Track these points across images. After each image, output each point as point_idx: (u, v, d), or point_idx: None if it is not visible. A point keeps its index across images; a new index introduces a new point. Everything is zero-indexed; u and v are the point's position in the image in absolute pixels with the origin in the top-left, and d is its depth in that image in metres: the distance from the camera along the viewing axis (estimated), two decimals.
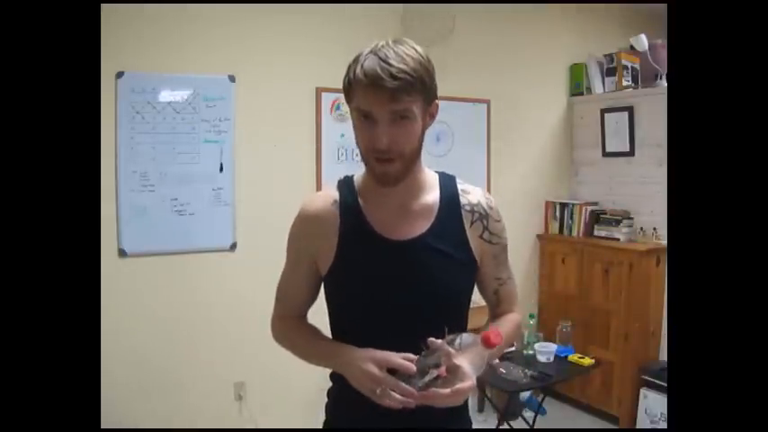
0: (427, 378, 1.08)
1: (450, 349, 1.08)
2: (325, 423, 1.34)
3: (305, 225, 1.27)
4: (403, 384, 1.08)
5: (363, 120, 1.12)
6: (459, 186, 1.28)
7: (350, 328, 1.24)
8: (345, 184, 1.28)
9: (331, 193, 1.27)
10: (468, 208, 1.26)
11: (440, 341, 1.09)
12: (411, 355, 1.10)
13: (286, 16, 3.11)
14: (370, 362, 1.11)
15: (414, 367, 1.09)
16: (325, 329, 1.30)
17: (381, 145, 1.11)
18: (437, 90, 1.17)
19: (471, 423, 1.35)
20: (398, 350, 1.14)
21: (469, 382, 1.08)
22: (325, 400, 1.34)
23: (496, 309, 1.34)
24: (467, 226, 1.24)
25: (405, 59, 1.08)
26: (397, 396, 1.07)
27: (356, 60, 1.12)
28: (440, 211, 1.24)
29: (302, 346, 1.30)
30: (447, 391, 1.07)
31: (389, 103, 1.08)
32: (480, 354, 1.12)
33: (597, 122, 3.93)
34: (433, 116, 1.19)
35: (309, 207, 1.27)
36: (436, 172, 1.30)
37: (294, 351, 1.32)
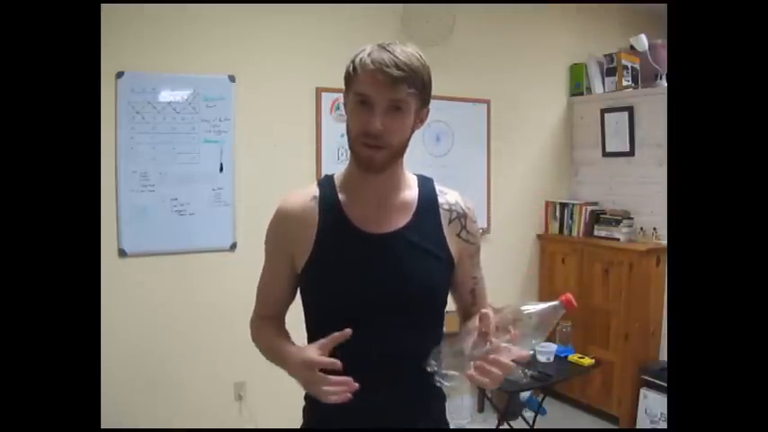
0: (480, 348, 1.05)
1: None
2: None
3: (283, 223, 1.28)
4: (335, 378, 1.09)
5: (360, 105, 1.15)
6: (437, 187, 1.31)
7: (325, 322, 1.20)
8: (326, 181, 1.30)
9: (311, 190, 1.28)
10: (446, 207, 1.28)
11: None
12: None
13: (286, 16, 3.11)
14: (303, 368, 1.13)
15: (338, 363, 1.10)
16: (301, 324, 1.30)
17: (374, 129, 1.13)
18: (430, 98, 1.22)
19: (448, 424, 1.36)
20: (374, 343, 1.16)
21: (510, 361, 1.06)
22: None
23: (472, 307, 1.34)
24: (444, 224, 1.27)
25: (410, 57, 1.14)
26: (333, 389, 1.08)
27: (362, 50, 1.16)
28: (418, 207, 1.26)
29: (264, 349, 1.32)
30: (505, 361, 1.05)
31: (390, 90, 1.12)
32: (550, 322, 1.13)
33: (597, 122, 3.93)
34: (422, 121, 1.23)
35: (287, 205, 1.28)
36: (414, 174, 1.32)
37: (263, 354, 1.33)
